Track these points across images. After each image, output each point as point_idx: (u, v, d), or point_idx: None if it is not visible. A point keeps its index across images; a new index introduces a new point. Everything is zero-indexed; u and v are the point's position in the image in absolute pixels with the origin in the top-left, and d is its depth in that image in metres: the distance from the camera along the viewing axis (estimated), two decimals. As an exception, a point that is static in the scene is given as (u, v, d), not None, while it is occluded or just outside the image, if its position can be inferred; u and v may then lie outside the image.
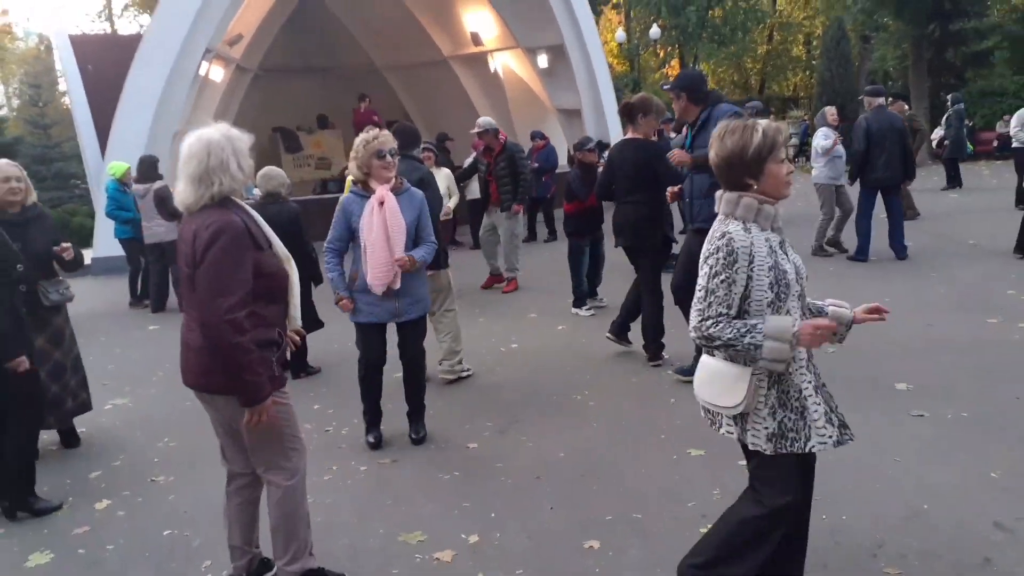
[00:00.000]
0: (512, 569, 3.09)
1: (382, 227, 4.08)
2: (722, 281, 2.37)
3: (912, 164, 8.40)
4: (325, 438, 4.68)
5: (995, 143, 19.98)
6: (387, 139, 4.14)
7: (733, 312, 2.38)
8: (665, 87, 5.42)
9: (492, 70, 17.40)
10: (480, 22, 16.65)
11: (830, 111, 9.27)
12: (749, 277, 2.37)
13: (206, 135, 2.61)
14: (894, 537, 3.09)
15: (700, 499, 3.46)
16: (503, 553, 3.22)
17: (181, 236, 2.72)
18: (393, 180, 4.15)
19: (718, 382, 2.47)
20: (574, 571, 3.06)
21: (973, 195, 13.92)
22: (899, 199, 8.63)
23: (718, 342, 2.38)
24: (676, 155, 4.96)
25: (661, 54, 36.51)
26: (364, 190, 4.19)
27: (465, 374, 5.59)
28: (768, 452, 2.40)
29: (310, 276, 5.85)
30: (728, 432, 2.50)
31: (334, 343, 6.44)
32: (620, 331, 5.82)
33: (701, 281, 2.45)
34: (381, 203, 4.09)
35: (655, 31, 27.09)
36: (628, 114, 5.63)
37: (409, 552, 3.28)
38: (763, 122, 2.51)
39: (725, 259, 2.38)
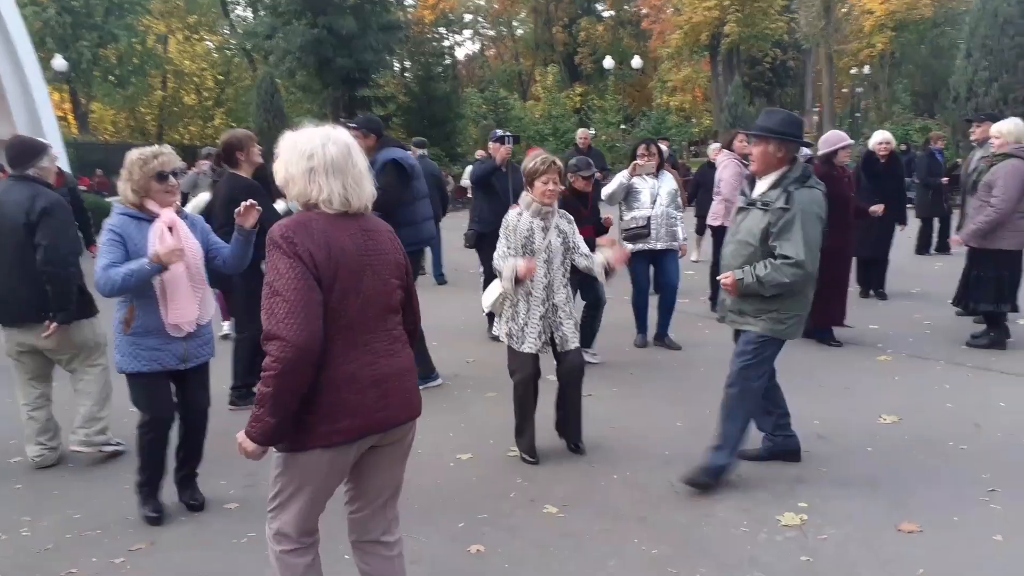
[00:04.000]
0: None
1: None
2: (505, 238, 4.23)
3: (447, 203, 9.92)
4: (69, 533, 3.56)
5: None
6: (171, 158, 3.52)
7: (512, 251, 4.18)
8: (351, 126, 5.67)
9: None
10: None
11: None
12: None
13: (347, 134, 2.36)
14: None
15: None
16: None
17: (380, 246, 2.33)
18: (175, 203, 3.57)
19: (489, 293, 4.32)
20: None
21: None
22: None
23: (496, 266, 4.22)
24: None
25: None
26: (139, 211, 3.50)
27: (111, 448, 4.51)
28: (508, 343, 4.20)
29: None
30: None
31: None
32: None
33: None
34: (171, 228, 3.47)
35: (60, 63, 24.28)
36: (228, 155, 5.34)
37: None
38: (541, 156, 4.23)
39: (504, 228, 4.26)
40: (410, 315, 2.51)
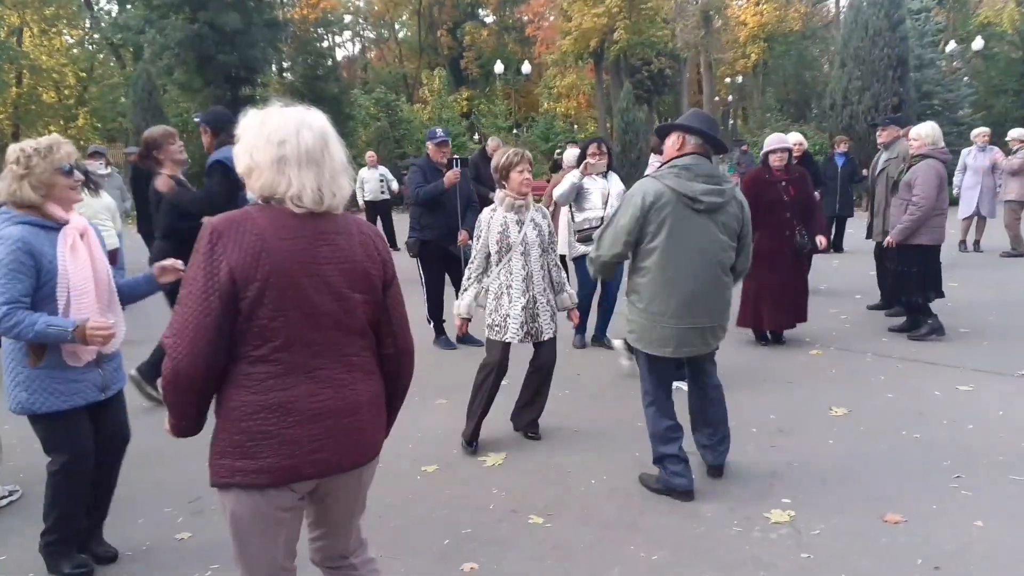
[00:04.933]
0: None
1: (88, 267, 2.94)
2: (478, 236, 4.30)
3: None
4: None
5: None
6: (72, 149, 2.98)
7: (485, 248, 4.28)
8: (196, 118, 5.37)
9: None
10: None
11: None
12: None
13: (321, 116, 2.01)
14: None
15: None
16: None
17: (344, 253, 1.97)
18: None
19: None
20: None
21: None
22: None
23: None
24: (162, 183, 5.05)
25: None
26: (42, 217, 2.90)
27: (6, 501, 3.82)
28: (489, 335, 4.29)
29: None
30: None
31: None
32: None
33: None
34: (83, 234, 2.97)
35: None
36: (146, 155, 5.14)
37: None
38: (512, 149, 4.29)
39: (478, 227, 4.32)
40: (388, 337, 2.10)
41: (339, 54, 50.75)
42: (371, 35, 53.38)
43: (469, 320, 4.37)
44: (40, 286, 2.82)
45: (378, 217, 13.17)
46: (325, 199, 1.92)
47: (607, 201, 6.07)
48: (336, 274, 1.93)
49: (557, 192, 6.09)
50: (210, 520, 3.61)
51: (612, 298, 6.44)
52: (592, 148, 6.14)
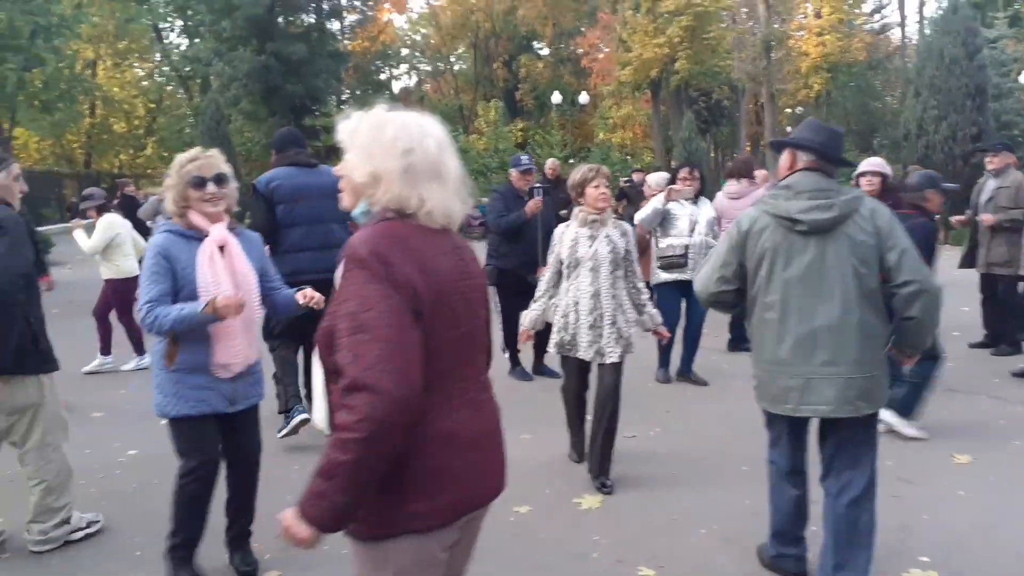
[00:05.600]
0: None
1: (229, 281, 2.96)
2: (551, 250, 4.35)
3: None
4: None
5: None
6: (210, 161, 2.98)
7: (556, 263, 4.27)
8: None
9: None
10: None
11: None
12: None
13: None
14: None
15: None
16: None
17: (471, 269, 1.82)
18: (225, 216, 3.05)
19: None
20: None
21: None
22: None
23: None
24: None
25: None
26: (187, 228, 2.99)
27: (82, 532, 3.59)
28: (557, 353, 4.28)
29: None
30: None
31: None
32: None
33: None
34: (222, 247, 2.97)
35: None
36: None
37: None
38: (589, 165, 4.30)
39: (552, 241, 4.35)
40: (488, 357, 1.97)
41: (395, 86, 51.63)
42: (427, 68, 54.27)
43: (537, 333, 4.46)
44: (176, 291, 2.95)
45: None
46: (452, 215, 1.75)
47: (695, 228, 5.81)
48: (472, 291, 1.80)
49: (639, 217, 5.85)
50: (298, 559, 3.40)
51: (697, 329, 6.14)
52: (683, 173, 5.89)
